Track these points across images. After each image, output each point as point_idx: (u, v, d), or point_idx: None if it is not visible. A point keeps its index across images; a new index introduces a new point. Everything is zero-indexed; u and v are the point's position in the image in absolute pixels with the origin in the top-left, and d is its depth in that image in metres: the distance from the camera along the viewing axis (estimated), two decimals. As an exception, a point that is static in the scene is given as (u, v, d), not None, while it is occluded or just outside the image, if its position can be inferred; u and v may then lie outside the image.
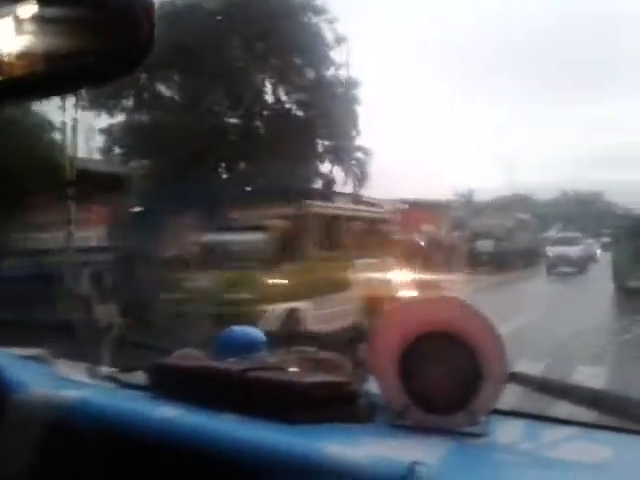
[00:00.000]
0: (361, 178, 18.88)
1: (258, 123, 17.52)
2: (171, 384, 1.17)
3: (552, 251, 22.16)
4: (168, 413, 1.09)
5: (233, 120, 18.06)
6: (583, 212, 43.65)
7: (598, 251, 26.40)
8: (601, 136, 71.11)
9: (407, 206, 23.08)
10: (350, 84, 17.79)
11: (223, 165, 18.35)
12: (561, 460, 1.02)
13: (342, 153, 18.26)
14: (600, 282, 14.79)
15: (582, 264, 21.30)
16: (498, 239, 21.81)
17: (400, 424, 1.10)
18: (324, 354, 1.21)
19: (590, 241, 26.76)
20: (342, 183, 18.61)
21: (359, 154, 18.89)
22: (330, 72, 17.78)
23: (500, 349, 1.11)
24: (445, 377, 1.11)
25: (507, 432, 1.16)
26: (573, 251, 21.46)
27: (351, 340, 1.25)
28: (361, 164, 18.92)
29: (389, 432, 1.08)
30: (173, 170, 15.13)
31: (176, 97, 18.16)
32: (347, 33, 17.72)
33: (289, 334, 1.67)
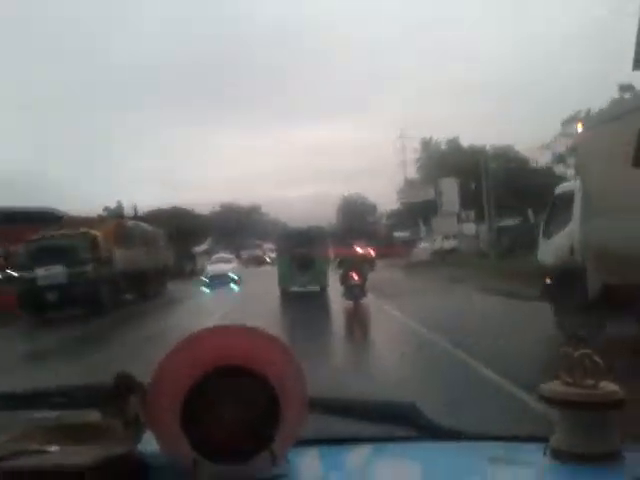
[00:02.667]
0: None
1: None
2: None
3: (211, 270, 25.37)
4: None
5: None
6: (241, 225, 48.14)
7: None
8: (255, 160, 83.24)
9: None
10: None
11: None
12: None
13: None
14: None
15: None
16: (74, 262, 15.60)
17: None
18: (83, 416, 0.95)
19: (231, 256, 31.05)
20: None
21: None
22: None
23: (300, 379, 0.98)
24: (239, 419, 0.94)
25: (310, 462, 1.06)
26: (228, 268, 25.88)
27: (106, 395, 0.98)
28: None
29: None
30: None
31: None
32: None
33: (23, 392, 1.21)
